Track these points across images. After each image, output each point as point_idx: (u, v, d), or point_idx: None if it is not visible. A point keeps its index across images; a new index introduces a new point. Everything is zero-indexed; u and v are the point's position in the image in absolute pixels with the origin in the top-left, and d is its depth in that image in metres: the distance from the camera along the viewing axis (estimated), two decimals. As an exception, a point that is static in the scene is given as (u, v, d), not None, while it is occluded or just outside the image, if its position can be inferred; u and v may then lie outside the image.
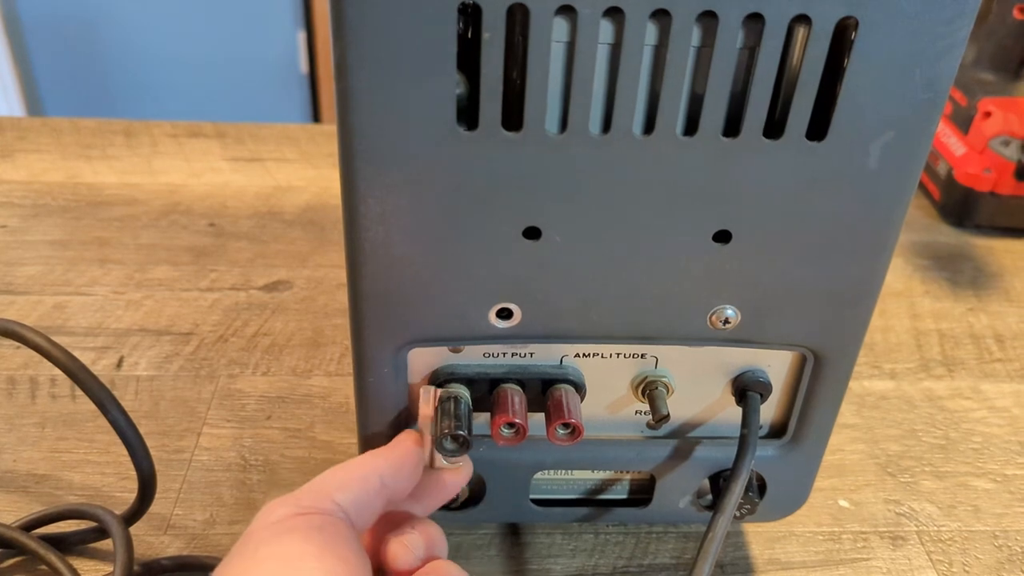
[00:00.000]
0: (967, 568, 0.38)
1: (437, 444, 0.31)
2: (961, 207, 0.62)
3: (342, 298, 0.53)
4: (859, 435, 0.45)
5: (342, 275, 0.55)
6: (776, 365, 0.33)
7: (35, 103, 1.91)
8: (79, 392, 0.45)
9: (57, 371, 0.44)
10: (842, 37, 0.25)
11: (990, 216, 0.62)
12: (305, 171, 0.67)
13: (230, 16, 1.89)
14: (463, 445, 0.31)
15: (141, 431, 0.39)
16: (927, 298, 0.56)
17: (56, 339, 0.48)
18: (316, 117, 1.99)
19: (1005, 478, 0.43)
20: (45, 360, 0.33)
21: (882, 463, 0.44)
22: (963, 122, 0.64)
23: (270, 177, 0.66)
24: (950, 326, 0.54)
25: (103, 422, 0.43)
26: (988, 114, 0.62)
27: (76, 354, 0.46)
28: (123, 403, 0.34)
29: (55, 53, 1.90)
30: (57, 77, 1.92)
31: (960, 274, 0.59)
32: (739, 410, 0.34)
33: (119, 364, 0.47)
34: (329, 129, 0.74)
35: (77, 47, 1.89)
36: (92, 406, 0.44)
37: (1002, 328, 0.54)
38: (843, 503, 0.41)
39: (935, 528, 0.40)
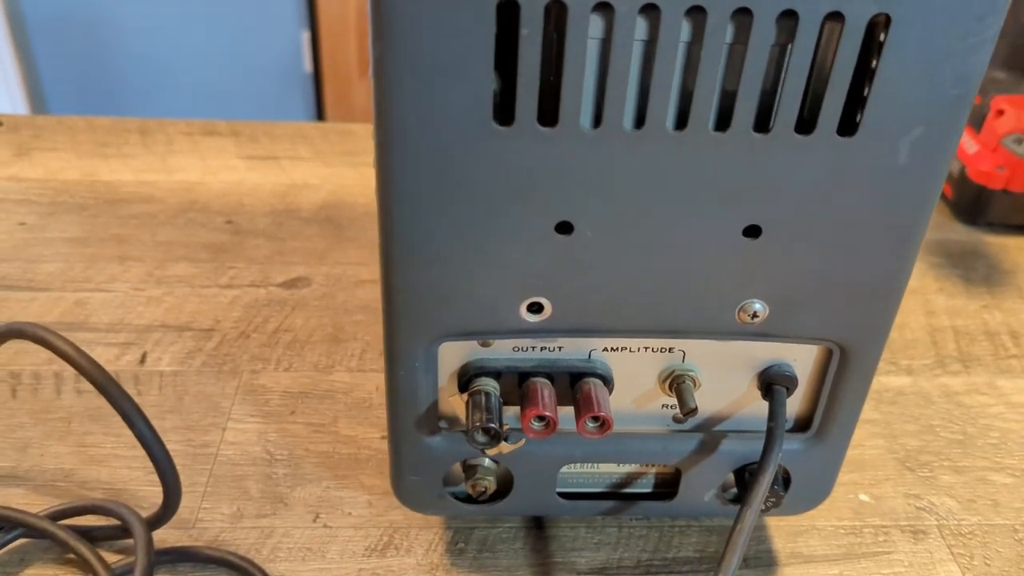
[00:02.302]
0: (988, 562, 0.39)
1: (469, 437, 0.31)
2: (974, 205, 0.63)
3: (361, 295, 0.53)
4: (877, 430, 0.46)
5: (361, 272, 0.55)
6: (802, 359, 0.33)
7: (39, 102, 1.92)
8: (103, 387, 0.45)
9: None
10: (870, 34, 0.26)
11: (1003, 214, 0.62)
12: (319, 169, 0.68)
13: (234, 15, 1.89)
14: (494, 438, 0.31)
15: (166, 425, 0.40)
16: (941, 295, 0.57)
17: (78, 335, 0.48)
18: (320, 116, 1.99)
19: None
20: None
21: (901, 458, 0.44)
22: (976, 120, 0.64)
23: (285, 175, 0.67)
24: (965, 323, 0.54)
25: (129, 417, 0.43)
26: (1001, 112, 0.62)
27: (99, 350, 0.46)
28: (148, 398, 0.35)
29: (59, 52, 1.90)
30: (61, 76, 1.92)
31: (973, 271, 0.59)
32: (764, 404, 0.34)
33: (142, 360, 0.48)
34: (342, 128, 0.74)
35: (81, 46, 1.89)
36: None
37: (1017, 325, 0.54)
38: (863, 497, 0.42)
39: (955, 522, 0.41)
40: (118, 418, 0.44)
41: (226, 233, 0.59)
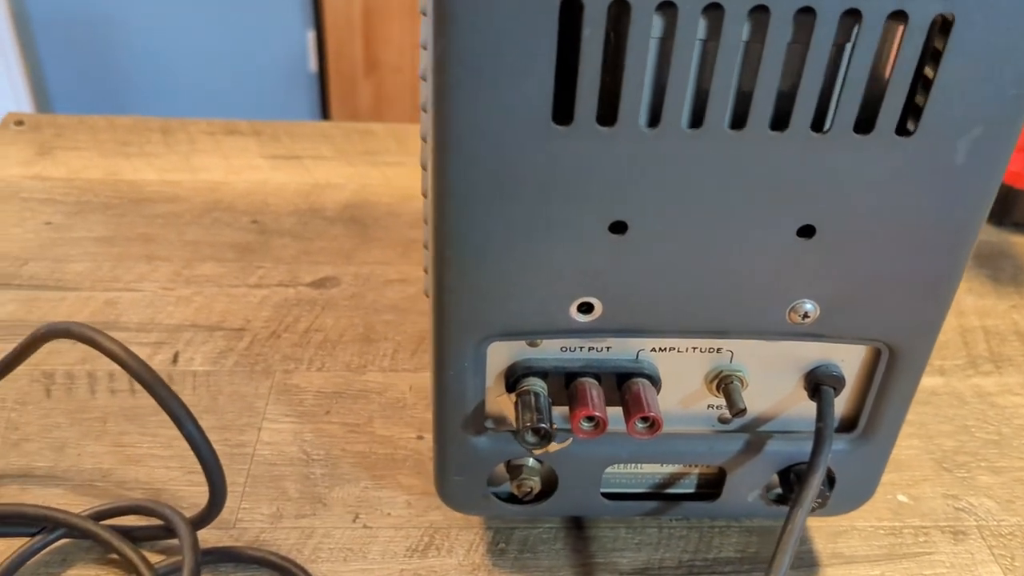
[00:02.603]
0: (1029, 562, 0.39)
1: (519, 437, 0.31)
2: (1001, 205, 0.62)
3: (391, 294, 0.53)
4: (913, 431, 0.45)
5: (389, 272, 0.55)
6: (849, 359, 0.33)
7: (43, 100, 1.91)
8: (138, 387, 0.45)
9: (115, 366, 0.44)
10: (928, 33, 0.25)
11: (1029, 214, 0.62)
12: (343, 168, 0.67)
13: (239, 15, 1.89)
14: (544, 438, 0.31)
15: (202, 425, 0.39)
16: (970, 295, 0.57)
17: (111, 335, 0.48)
18: (325, 115, 1.99)
19: (1060, 473, 0.43)
20: (102, 355, 0.33)
21: (937, 458, 0.44)
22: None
23: (308, 175, 0.66)
24: (995, 323, 0.54)
25: (164, 417, 0.43)
26: (1027, 112, 0.62)
27: (132, 350, 0.46)
28: (183, 398, 0.35)
29: (64, 52, 1.90)
30: (66, 75, 1.92)
31: (1001, 271, 0.59)
32: (810, 404, 0.34)
33: (175, 359, 0.47)
34: (363, 127, 0.74)
35: (86, 46, 1.89)
36: (152, 400, 0.44)
37: (1046, 325, 0.54)
38: (902, 498, 0.42)
39: (995, 523, 0.41)
40: (153, 417, 0.44)
41: (252, 233, 0.59)
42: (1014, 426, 0.46)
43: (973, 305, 0.56)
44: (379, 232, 0.60)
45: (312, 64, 1.95)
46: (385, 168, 0.67)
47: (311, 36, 1.92)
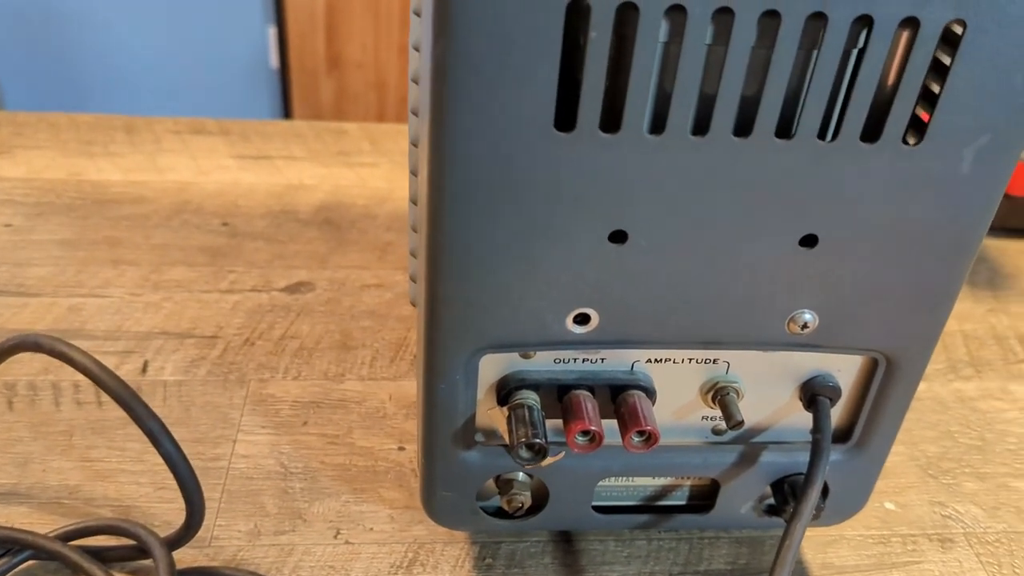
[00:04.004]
0: (1016, 570, 0.39)
1: (513, 453, 0.30)
2: (975, 209, 0.63)
3: (368, 300, 0.52)
4: (898, 437, 0.45)
5: (364, 276, 0.54)
6: (845, 369, 0.33)
7: (-7, 97, 1.85)
8: (105, 398, 0.43)
9: (80, 376, 0.42)
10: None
11: (1003, 218, 0.63)
12: (315, 169, 0.66)
13: (198, 9, 1.85)
14: (539, 453, 0.30)
15: (175, 438, 0.38)
16: (947, 299, 0.57)
17: (75, 343, 0.46)
18: (286, 113, 1.96)
19: (1042, 479, 0.44)
20: (66, 365, 0.32)
21: (923, 465, 0.44)
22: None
23: (280, 175, 0.65)
24: (973, 327, 0.54)
25: (134, 429, 0.41)
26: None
27: (98, 358, 0.44)
28: (153, 410, 0.33)
29: (17, 47, 1.85)
30: (19, 71, 1.87)
31: (976, 275, 0.59)
32: (805, 414, 0.34)
33: (144, 369, 0.46)
34: (336, 126, 0.72)
35: (40, 41, 1.84)
36: (120, 412, 0.42)
37: (1023, 329, 0.54)
38: (889, 505, 0.41)
39: (981, 530, 0.40)
40: (122, 430, 0.42)
41: (223, 236, 0.57)
42: (996, 431, 0.46)
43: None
44: (354, 235, 0.58)
45: (273, 60, 1.92)
46: (359, 169, 0.66)
47: (272, 32, 1.88)
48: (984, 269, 0.60)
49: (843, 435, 0.35)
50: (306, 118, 1.90)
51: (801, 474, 0.35)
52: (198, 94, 1.93)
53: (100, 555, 0.35)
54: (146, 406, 0.30)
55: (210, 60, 1.91)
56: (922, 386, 0.49)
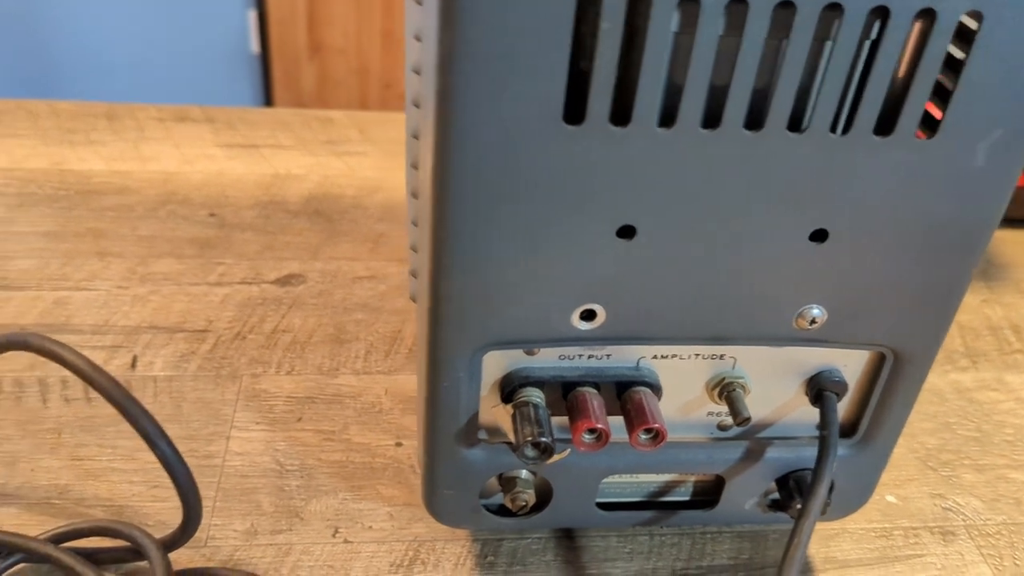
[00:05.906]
0: (1017, 562, 0.39)
1: (518, 452, 0.29)
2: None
3: (360, 292, 0.51)
4: (896, 429, 0.45)
5: (356, 268, 0.53)
6: (852, 364, 0.33)
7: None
8: (94, 394, 0.42)
9: (68, 372, 0.41)
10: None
11: (995, 207, 0.62)
12: (303, 158, 0.65)
13: (178, -7, 1.82)
14: (544, 452, 0.30)
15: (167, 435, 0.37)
16: (942, 289, 0.57)
17: (62, 339, 0.45)
18: (267, 99, 1.94)
19: (1040, 470, 0.44)
20: (52, 361, 0.31)
21: (922, 457, 0.44)
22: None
23: (267, 165, 0.64)
24: (968, 318, 0.54)
25: (125, 427, 0.40)
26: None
27: (86, 354, 0.43)
28: (142, 405, 0.32)
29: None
30: (-8, 56, 1.83)
31: (970, 264, 0.59)
32: (811, 409, 0.33)
33: (133, 364, 0.45)
34: (323, 114, 0.71)
35: (14, 25, 1.81)
36: (110, 409, 0.41)
37: (1017, 319, 0.54)
38: (890, 499, 0.41)
39: (982, 522, 0.40)
40: (112, 427, 0.41)
41: (211, 227, 0.56)
42: (994, 422, 0.46)
43: (946, 299, 0.56)
44: (345, 226, 0.57)
45: (254, 46, 1.89)
46: (348, 158, 0.65)
47: (253, 16, 1.85)
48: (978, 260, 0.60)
49: (849, 430, 0.34)
50: (288, 104, 1.87)
51: (806, 470, 0.34)
52: (177, 80, 1.90)
53: (93, 557, 0.34)
54: (141, 407, 0.29)
55: (190, 45, 1.88)
56: (919, 377, 0.49)
